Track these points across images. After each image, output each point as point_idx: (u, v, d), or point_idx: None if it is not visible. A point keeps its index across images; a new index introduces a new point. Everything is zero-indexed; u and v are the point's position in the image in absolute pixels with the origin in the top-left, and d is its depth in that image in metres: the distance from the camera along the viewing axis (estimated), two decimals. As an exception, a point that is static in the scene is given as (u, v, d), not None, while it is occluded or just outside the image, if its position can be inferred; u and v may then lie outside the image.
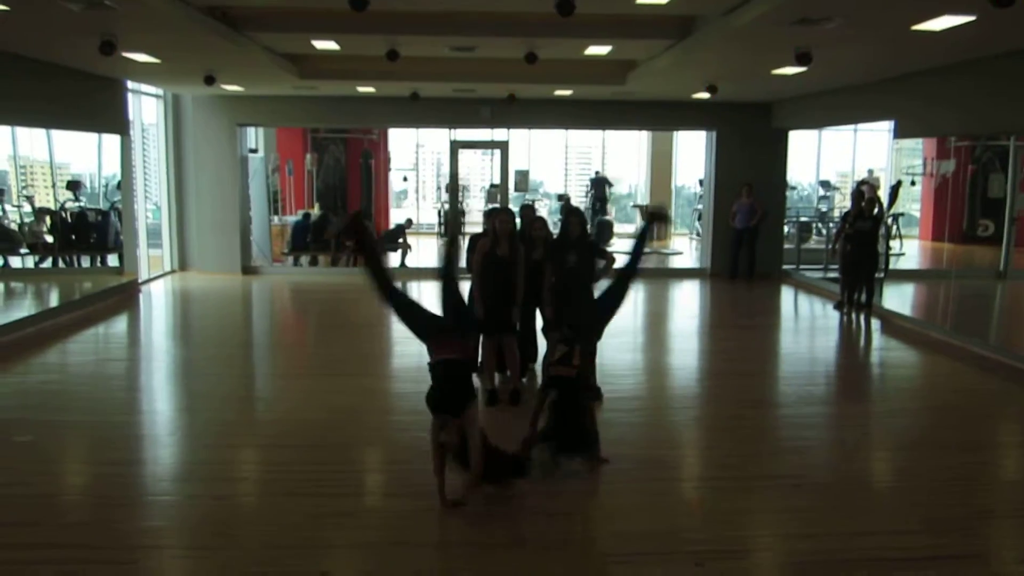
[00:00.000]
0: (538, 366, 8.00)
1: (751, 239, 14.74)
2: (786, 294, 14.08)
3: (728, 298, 13.81)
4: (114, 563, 4.48)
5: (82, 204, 14.13)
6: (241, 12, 8.39)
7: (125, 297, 12.73)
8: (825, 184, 22.93)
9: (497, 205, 8.71)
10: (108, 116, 12.43)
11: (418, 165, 23.97)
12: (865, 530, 4.91)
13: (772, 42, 8.04)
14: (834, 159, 22.60)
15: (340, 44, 9.68)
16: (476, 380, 7.76)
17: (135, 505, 5.30)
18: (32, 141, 13.62)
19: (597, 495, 5.59)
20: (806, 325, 11.92)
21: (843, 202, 23.15)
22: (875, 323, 11.30)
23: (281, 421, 6.97)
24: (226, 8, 8.16)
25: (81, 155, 14.34)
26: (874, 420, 7.34)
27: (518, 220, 7.89)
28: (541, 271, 7.40)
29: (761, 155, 15.09)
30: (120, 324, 11.35)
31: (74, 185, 14.13)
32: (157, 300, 13.16)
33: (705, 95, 13.36)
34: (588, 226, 7.46)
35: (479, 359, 8.02)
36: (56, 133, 13.19)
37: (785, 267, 15.49)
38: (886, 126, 23.05)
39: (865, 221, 11.28)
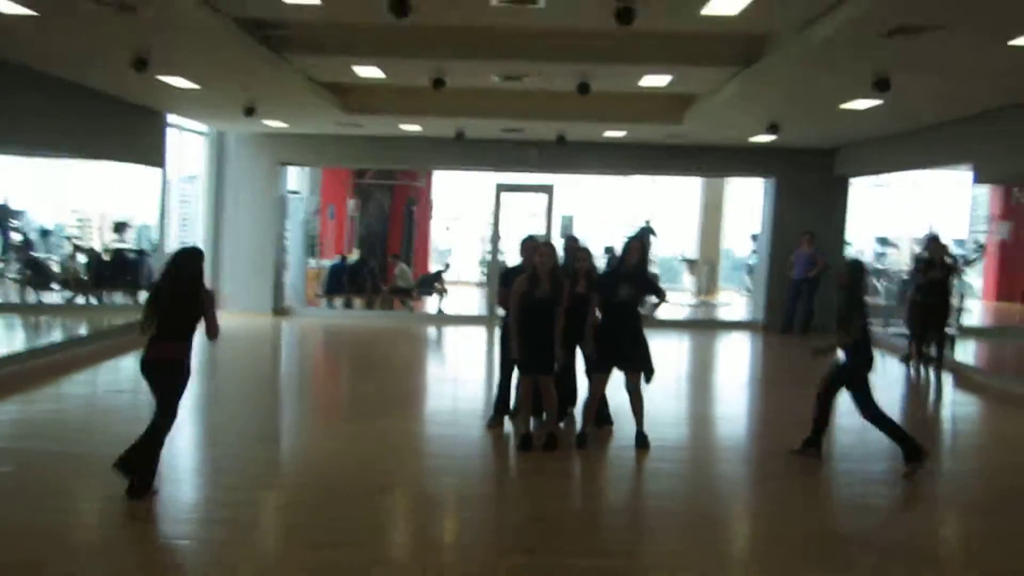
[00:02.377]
0: (577, 411, 7.30)
1: (809, 291, 13.88)
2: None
3: (783, 351, 12.94)
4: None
5: (125, 244, 13.90)
6: (277, 27, 7.95)
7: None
8: (882, 240, 22.06)
9: (533, 233, 8.01)
10: (145, 148, 12.12)
11: (461, 217, 23.61)
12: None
13: (850, 63, 7.38)
14: (892, 216, 21.81)
15: (383, 70, 9.22)
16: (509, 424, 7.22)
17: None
18: (89, 191, 13.84)
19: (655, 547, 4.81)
20: (873, 378, 10.98)
21: (901, 258, 22.30)
22: (946, 377, 10.45)
23: (306, 463, 6.42)
24: (260, 21, 7.73)
25: (131, 199, 14.14)
26: (949, 479, 6.61)
27: (560, 252, 7.26)
28: (584, 306, 6.72)
29: (821, 204, 14.34)
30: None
31: (120, 227, 13.95)
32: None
33: (765, 139, 12.69)
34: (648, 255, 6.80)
35: (512, 400, 7.33)
36: (108, 181, 13.17)
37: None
38: (944, 180, 22.58)
39: (938, 270, 10.46)
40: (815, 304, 13.94)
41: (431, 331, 14.23)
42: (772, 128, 10.93)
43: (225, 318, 14.21)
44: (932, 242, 10.98)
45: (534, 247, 7.12)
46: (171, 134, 13.34)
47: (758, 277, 15.27)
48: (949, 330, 10.93)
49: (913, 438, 6.35)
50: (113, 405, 8.30)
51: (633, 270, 6.64)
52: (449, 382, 10.37)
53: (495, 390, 7.50)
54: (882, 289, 16.94)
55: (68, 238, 14.54)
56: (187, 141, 14.18)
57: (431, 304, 16.40)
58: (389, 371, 10.27)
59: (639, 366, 6.73)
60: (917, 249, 21.55)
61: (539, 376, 6.60)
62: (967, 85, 8.31)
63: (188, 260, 5.40)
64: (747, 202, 22.37)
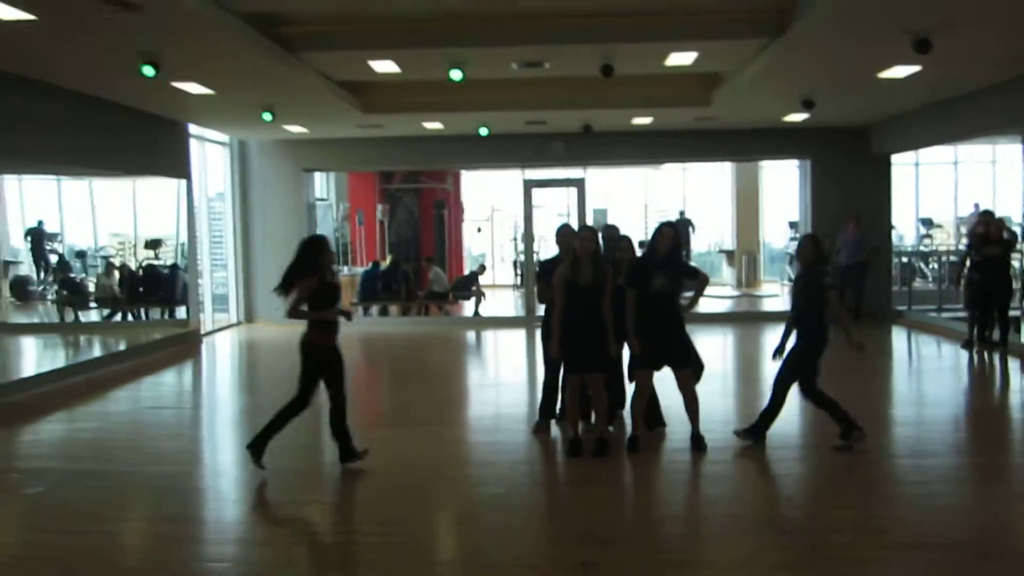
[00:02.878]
0: (627, 412, 6.94)
1: (859, 276, 13.31)
2: (902, 335, 12.60)
3: (836, 340, 12.36)
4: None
5: (158, 261, 13.87)
6: (288, 23, 7.76)
7: (184, 348, 12.16)
8: (926, 222, 21.33)
9: (567, 220, 7.66)
10: (169, 160, 12.04)
11: (492, 218, 23.37)
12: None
13: (886, 24, 6.95)
14: (935, 195, 21.09)
15: (399, 64, 8.97)
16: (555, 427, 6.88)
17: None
18: (121, 209, 14.12)
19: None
20: (931, 367, 10.50)
21: (948, 240, 21.55)
22: (1013, 363, 9.75)
23: (347, 476, 6.07)
24: (269, 16, 7.52)
25: (162, 214, 14.10)
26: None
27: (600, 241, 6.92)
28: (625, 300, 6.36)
29: (861, 184, 13.81)
30: (173, 375, 10.70)
31: (154, 244, 13.94)
32: (219, 351, 12.58)
33: (799, 117, 12.23)
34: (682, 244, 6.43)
35: (559, 403, 6.99)
36: (139, 198, 13.16)
37: (898, 308, 14.03)
38: (988, 156, 21.80)
39: (994, 246, 9.86)
40: (864, 290, 13.44)
41: (469, 335, 13.95)
42: (806, 104, 10.45)
43: (261, 330, 14.42)
44: (986, 215, 10.40)
45: (572, 233, 6.83)
46: (193, 146, 13.31)
47: (800, 263, 14.73)
48: (1013, 312, 10.29)
49: (853, 420, 6.18)
50: (154, 421, 8.11)
51: (665, 258, 6.20)
52: (491, 387, 10.05)
53: (539, 392, 7.09)
54: (929, 272, 16.28)
55: (104, 257, 14.62)
56: (209, 152, 14.10)
57: (468, 308, 16.15)
58: (428, 378, 9.97)
59: (685, 362, 6.31)
60: (964, 228, 20.97)
61: (588, 375, 6.20)
62: (1016, 40, 7.82)
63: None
64: (783, 188, 21.89)
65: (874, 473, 5.88)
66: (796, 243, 19.68)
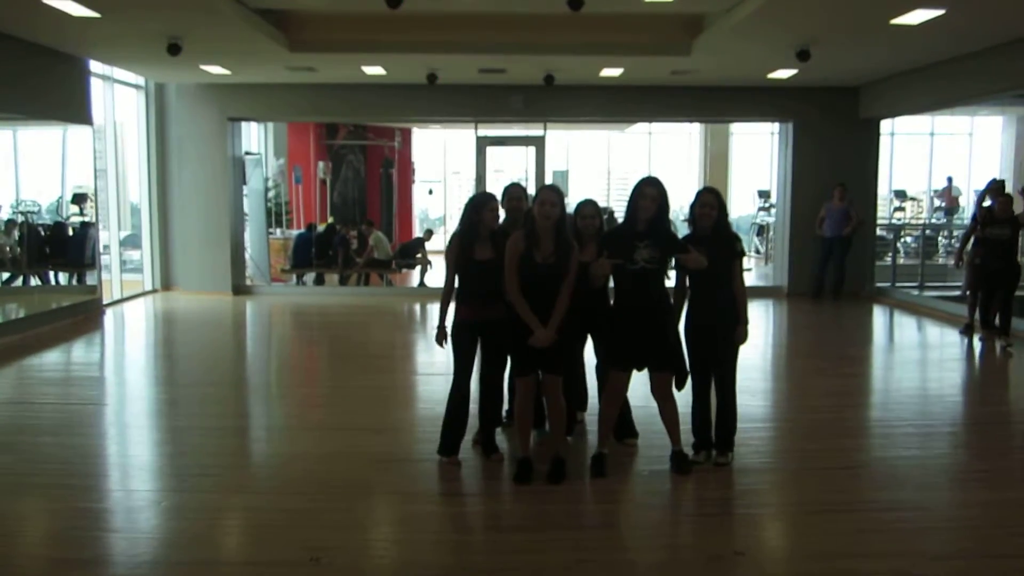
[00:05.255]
0: (591, 417, 5.62)
1: (842, 251, 12.19)
2: (889, 316, 11.48)
3: (819, 321, 11.23)
4: None
5: (85, 218, 12.07)
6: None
7: (82, 320, 10.53)
8: (900, 194, 20.40)
9: (516, 180, 6.27)
10: (67, 103, 10.33)
11: (446, 179, 21.93)
12: None
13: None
14: (907, 167, 20.17)
15: (326, -13, 7.41)
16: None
17: None
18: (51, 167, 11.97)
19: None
20: (933, 356, 9.31)
21: (921, 213, 20.66)
22: (1021, 351, 8.68)
23: (283, 478, 4.92)
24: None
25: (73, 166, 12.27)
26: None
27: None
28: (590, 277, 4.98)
29: (848, 150, 12.60)
30: (59, 354, 9.09)
31: (80, 199, 12.13)
32: (125, 323, 10.98)
33: (785, 73, 10.92)
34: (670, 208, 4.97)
35: (504, 409, 5.64)
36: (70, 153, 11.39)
37: (879, 284, 12.95)
38: (966, 128, 20.92)
39: (1001, 227, 8.67)
40: (847, 265, 12.31)
41: (415, 308, 12.50)
42: (801, 56, 9.09)
43: (179, 299, 12.84)
44: (995, 186, 9.21)
45: (523, 196, 5.43)
46: (100, 87, 11.58)
47: (778, 237, 13.54)
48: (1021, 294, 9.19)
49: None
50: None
51: (650, 226, 4.83)
52: (438, 376, 7.51)
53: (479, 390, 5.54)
54: (901, 247, 15.23)
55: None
56: (122, 96, 12.37)
57: (413, 277, 14.73)
58: (359, 364, 8.47)
59: (667, 363, 4.96)
60: (964, 201, 20.02)
61: (545, 376, 4.84)
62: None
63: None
64: (752, 156, 20.72)
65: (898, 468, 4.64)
66: (764, 213, 18.84)
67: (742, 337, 5.07)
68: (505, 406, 5.55)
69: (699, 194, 5.12)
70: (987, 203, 9.32)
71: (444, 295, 5.11)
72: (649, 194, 4.79)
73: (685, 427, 5.11)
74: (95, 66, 10.99)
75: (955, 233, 16.60)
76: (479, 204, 5.02)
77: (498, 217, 5.04)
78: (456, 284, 5.06)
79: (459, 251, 4.99)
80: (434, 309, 9.01)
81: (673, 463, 5.03)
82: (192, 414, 6.49)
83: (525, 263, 4.69)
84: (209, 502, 4.62)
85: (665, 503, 4.76)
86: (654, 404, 5.05)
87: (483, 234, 4.97)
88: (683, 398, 5.08)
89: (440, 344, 5.13)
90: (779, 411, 6.70)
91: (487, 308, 4.92)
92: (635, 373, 4.99)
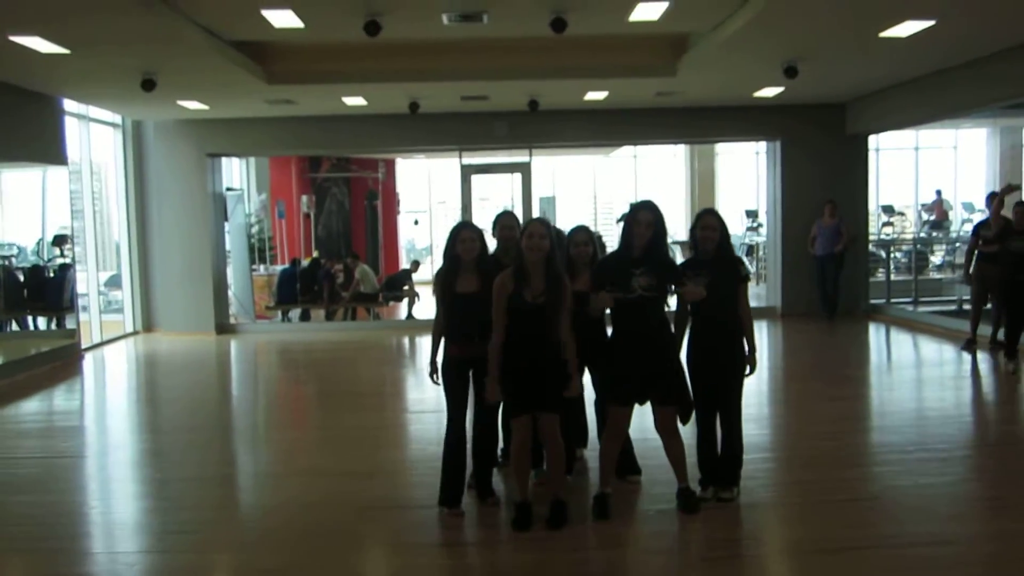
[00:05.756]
0: (591, 453, 5.36)
1: (835, 269, 12.03)
2: (886, 334, 11.29)
3: (816, 341, 10.99)
4: None
5: (65, 260, 11.74)
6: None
7: (60, 366, 10.19)
8: (887, 209, 20.34)
9: (508, 208, 6.00)
10: (40, 143, 10.07)
11: (431, 209, 21.74)
12: None
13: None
14: (893, 182, 20.13)
15: (302, 16, 7.16)
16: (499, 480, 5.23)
17: None
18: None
19: None
20: (937, 374, 9.08)
21: (909, 228, 20.60)
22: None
23: (265, 532, 4.64)
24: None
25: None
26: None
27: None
28: (587, 309, 4.74)
29: (836, 167, 12.47)
30: (37, 403, 8.76)
31: (60, 240, 11.82)
32: (105, 368, 10.65)
33: (771, 91, 10.80)
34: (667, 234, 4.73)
35: (499, 450, 5.37)
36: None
37: (873, 301, 12.77)
38: (951, 141, 20.92)
39: (1020, 238, 8.34)
40: (841, 283, 12.14)
41: (403, 342, 12.20)
42: (788, 72, 8.94)
43: (161, 340, 12.51)
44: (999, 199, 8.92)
45: (513, 225, 5.19)
46: (75, 126, 11.33)
47: (769, 257, 13.35)
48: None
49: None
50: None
51: (646, 252, 4.60)
52: (426, 415, 7.42)
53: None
54: (891, 262, 15.07)
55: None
56: (98, 134, 12.11)
57: (401, 310, 14.46)
58: (348, 403, 8.13)
59: (672, 396, 4.71)
60: (973, 215, 19.93)
61: (541, 415, 4.54)
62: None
63: None
64: (738, 175, 20.64)
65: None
66: (752, 233, 18.69)
67: (749, 367, 4.83)
68: (501, 444, 5.27)
69: (699, 216, 4.89)
70: (987, 215, 9.10)
71: (434, 329, 4.86)
72: (644, 220, 4.56)
73: (691, 459, 4.85)
74: (69, 105, 10.75)
75: (959, 247, 16.41)
76: (452, 236, 4.78)
77: (473, 248, 4.71)
78: (445, 324, 4.82)
79: (442, 286, 4.75)
80: (423, 342, 8.73)
81: (680, 501, 4.77)
82: (174, 463, 6.20)
83: (514, 302, 4.44)
84: (186, 563, 4.32)
85: (672, 546, 4.50)
86: (654, 436, 4.80)
87: (465, 267, 4.72)
88: (687, 430, 4.83)
89: (432, 379, 4.87)
90: (781, 439, 6.45)
91: (475, 344, 4.62)
92: (636, 407, 4.74)
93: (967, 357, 9.08)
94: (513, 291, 4.44)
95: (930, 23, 7.20)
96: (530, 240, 4.44)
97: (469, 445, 4.92)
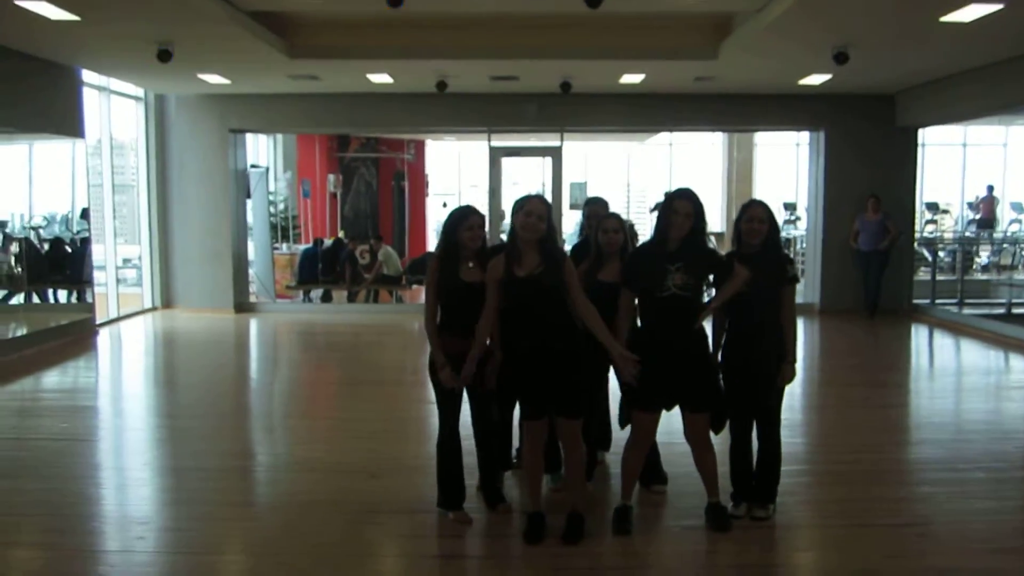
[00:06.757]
0: (614, 457, 4.94)
1: (879, 266, 11.49)
2: (930, 336, 10.73)
3: (857, 341, 10.46)
4: None
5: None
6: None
7: (73, 342, 9.97)
8: (932, 206, 19.61)
9: (538, 192, 5.74)
10: (59, 115, 9.81)
11: (461, 192, 21.37)
12: None
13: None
14: (938, 179, 19.37)
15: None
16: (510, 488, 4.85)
17: None
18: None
19: None
20: (989, 382, 8.51)
21: (955, 227, 19.85)
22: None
23: (257, 535, 4.31)
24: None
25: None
26: None
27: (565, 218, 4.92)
28: (615, 303, 4.32)
29: (883, 160, 11.89)
30: (52, 376, 8.54)
31: (88, 213, 11.64)
32: (121, 344, 10.42)
33: (817, 79, 10.26)
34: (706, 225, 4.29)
35: (514, 454, 5.00)
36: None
37: (916, 301, 12.19)
38: (1001, 138, 20.11)
39: None
40: (882, 282, 11.60)
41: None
42: (839, 59, 8.40)
43: (178, 317, 12.29)
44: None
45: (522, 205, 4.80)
46: (96, 99, 11.08)
47: (809, 251, 12.80)
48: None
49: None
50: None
51: (683, 245, 4.17)
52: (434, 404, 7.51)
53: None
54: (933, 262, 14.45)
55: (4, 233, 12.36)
56: (120, 107, 11.86)
57: (422, 294, 14.12)
58: (367, 391, 7.82)
59: (705, 403, 4.31)
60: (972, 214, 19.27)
61: (560, 419, 4.14)
62: None
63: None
64: (776, 166, 20.00)
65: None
66: (790, 226, 18.11)
67: (789, 376, 4.40)
68: (516, 443, 4.88)
69: (746, 207, 4.44)
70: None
71: (428, 322, 4.37)
72: (682, 209, 4.12)
73: (723, 469, 4.43)
74: (89, 76, 10.48)
75: (1005, 247, 15.78)
76: (455, 222, 4.32)
77: (480, 236, 4.28)
78: (439, 313, 4.40)
79: (440, 273, 4.30)
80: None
81: (709, 518, 4.36)
82: (176, 452, 5.91)
83: (508, 283, 4.04)
84: (167, 569, 3.99)
85: (700, 570, 4.08)
86: (682, 439, 4.39)
87: (467, 255, 4.28)
88: (719, 440, 4.42)
89: (451, 383, 4.32)
90: (820, 451, 5.97)
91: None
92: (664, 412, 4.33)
93: (1018, 365, 8.56)
94: (504, 271, 4.04)
95: (997, 7, 6.65)
96: (527, 219, 4.04)
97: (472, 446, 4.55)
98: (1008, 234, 17.65)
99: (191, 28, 7.64)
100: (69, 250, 11.88)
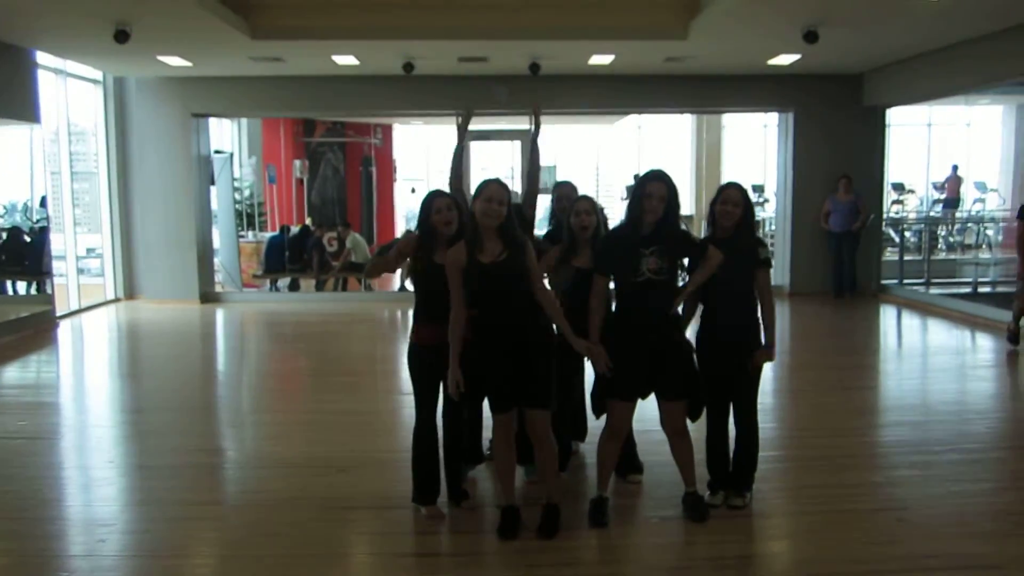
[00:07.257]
0: (589, 447, 4.86)
1: (851, 247, 11.55)
2: (899, 317, 10.79)
3: (827, 323, 10.50)
4: None
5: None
6: None
7: (32, 335, 9.69)
8: (898, 187, 19.77)
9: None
10: (11, 99, 9.47)
11: (429, 177, 21.16)
12: None
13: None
14: (903, 159, 19.52)
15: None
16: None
17: None
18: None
19: None
20: (960, 363, 8.49)
21: (920, 207, 20.03)
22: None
23: (214, 537, 4.14)
24: None
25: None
26: None
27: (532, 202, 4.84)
28: (589, 290, 4.22)
29: (850, 141, 11.92)
30: (7, 373, 8.29)
31: (46, 202, 11.29)
32: (84, 337, 10.16)
33: (786, 59, 10.21)
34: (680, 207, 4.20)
35: (486, 448, 4.91)
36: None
37: (884, 281, 12.27)
38: (964, 119, 20.29)
39: None
40: (856, 263, 11.66)
41: (396, 315, 11.70)
42: (810, 36, 8.35)
43: (142, 308, 12.02)
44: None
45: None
46: (53, 81, 10.73)
47: (778, 233, 12.81)
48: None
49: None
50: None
51: (656, 229, 4.08)
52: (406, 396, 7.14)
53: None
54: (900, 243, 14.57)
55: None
56: (77, 91, 11.51)
57: (394, 281, 13.93)
58: (335, 383, 7.68)
59: (681, 390, 4.23)
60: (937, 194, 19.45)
61: (529, 411, 4.03)
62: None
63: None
64: (743, 148, 20.02)
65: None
66: (758, 208, 18.14)
67: (764, 359, 4.34)
68: (487, 434, 4.78)
69: (722, 189, 4.35)
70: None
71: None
72: (656, 192, 4.02)
73: (699, 457, 4.37)
74: (44, 58, 10.14)
75: (969, 227, 15.97)
76: (425, 208, 4.20)
77: (450, 219, 4.15)
78: (415, 302, 4.29)
79: (416, 260, 4.20)
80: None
81: (687, 508, 4.30)
82: (139, 448, 5.75)
83: (473, 271, 3.93)
84: (132, 573, 3.85)
85: (678, 563, 4.00)
86: (657, 429, 4.32)
87: (441, 240, 4.16)
88: (696, 428, 4.35)
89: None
90: (795, 436, 5.91)
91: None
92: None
93: (986, 344, 8.59)
94: (467, 261, 3.92)
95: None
96: (487, 204, 3.92)
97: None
98: (972, 213, 17.84)
99: (149, 7, 7.40)
100: (27, 240, 11.56)
